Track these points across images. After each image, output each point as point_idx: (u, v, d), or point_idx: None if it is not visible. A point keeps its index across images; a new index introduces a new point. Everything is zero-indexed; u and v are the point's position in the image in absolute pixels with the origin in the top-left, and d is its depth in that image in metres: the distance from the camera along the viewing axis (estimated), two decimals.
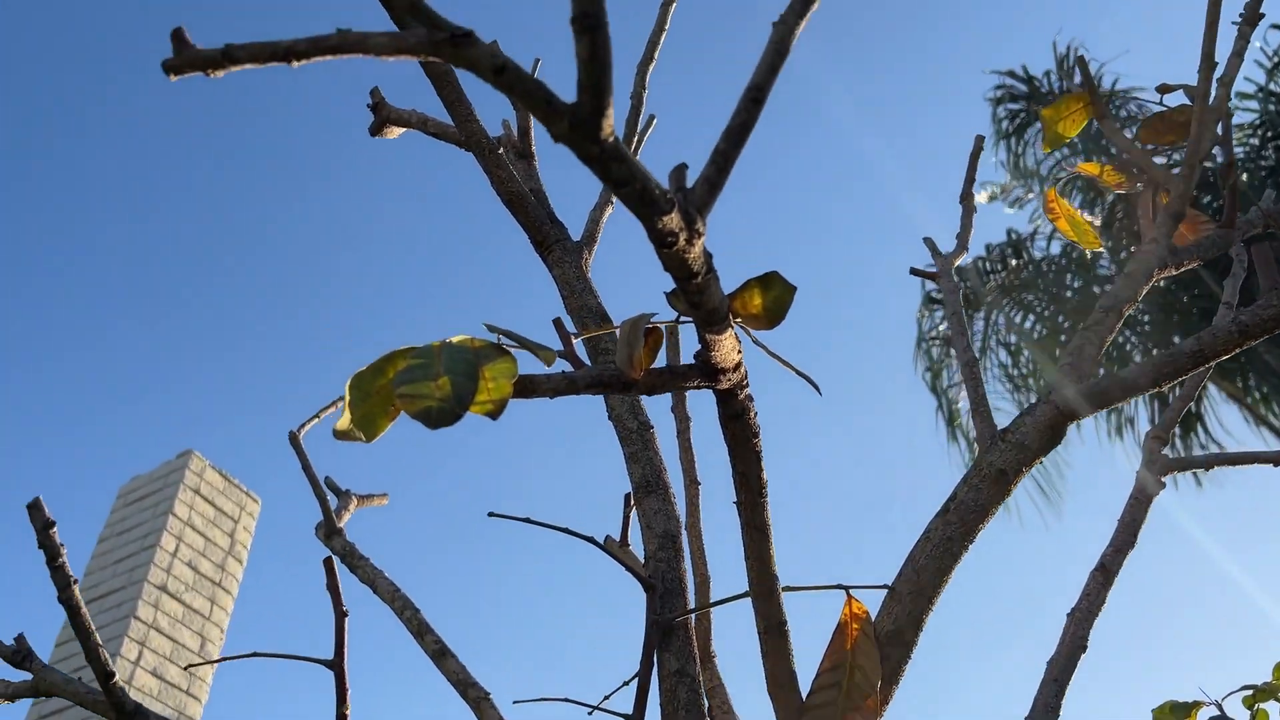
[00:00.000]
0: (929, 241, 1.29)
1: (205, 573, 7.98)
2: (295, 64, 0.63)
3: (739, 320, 0.80)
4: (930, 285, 9.56)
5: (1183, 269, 1.19)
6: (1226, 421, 9.43)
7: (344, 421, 0.69)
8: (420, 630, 1.46)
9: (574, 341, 0.83)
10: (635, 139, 1.44)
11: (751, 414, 0.91)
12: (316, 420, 1.79)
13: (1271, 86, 8.93)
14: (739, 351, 0.83)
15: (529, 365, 0.79)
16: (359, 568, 1.57)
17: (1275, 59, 9.04)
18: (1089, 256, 9.02)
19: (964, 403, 9.13)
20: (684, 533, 1.27)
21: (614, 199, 1.33)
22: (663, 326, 0.85)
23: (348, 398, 0.69)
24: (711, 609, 1.21)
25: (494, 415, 0.65)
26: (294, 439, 1.69)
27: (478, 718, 1.37)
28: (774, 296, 0.77)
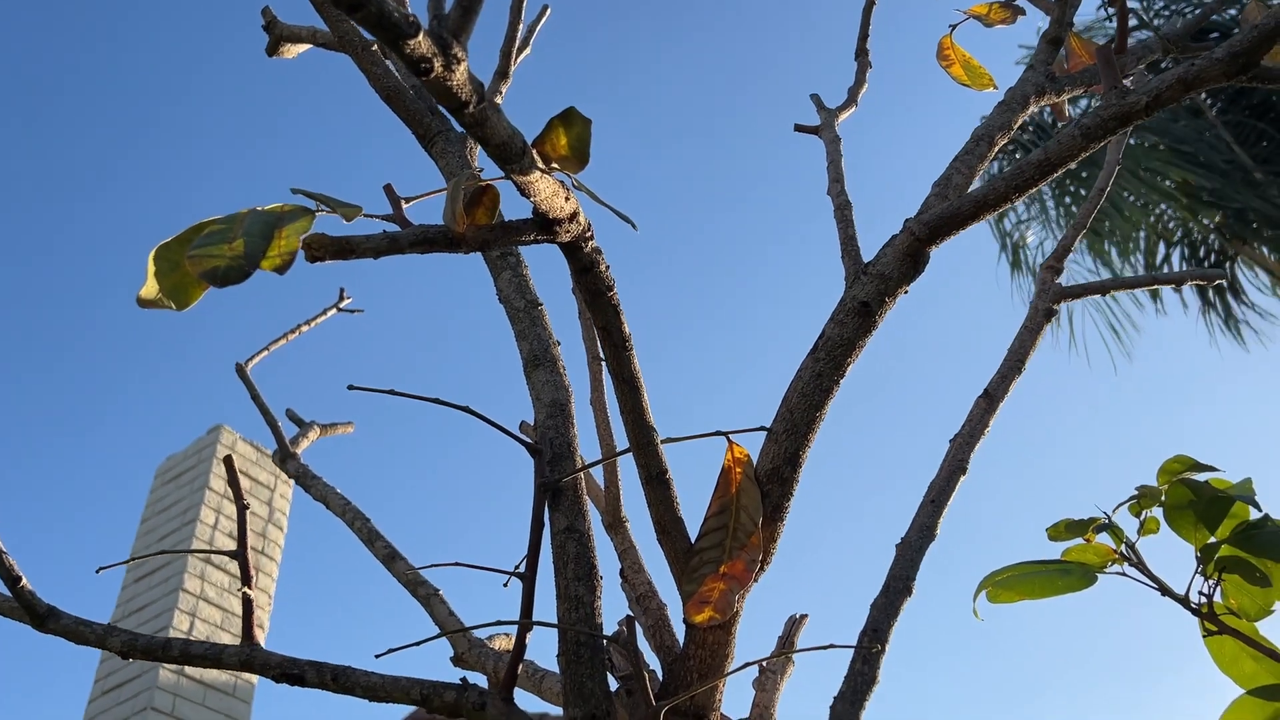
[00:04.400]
0: (815, 98, 1.28)
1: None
2: None
3: (554, 166, 0.81)
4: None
5: (1063, 96, 1.18)
6: (1262, 284, 9.33)
7: (148, 290, 0.70)
8: (370, 538, 1.50)
9: (404, 205, 0.84)
10: (525, 28, 1.44)
11: (602, 266, 0.91)
12: (266, 353, 1.82)
13: None
14: (569, 200, 0.84)
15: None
16: (312, 487, 1.61)
17: None
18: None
19: (1033, 238, 8.92)
20: (590, 407, 1.29)
21: (501, 89, 1.33)
22: (496, 185, 0.86)
23: (152, 268, 0.71)
24: (617, 476, 1.23)
25: (281, 270, 0.67)
26: (241, 371, 1.72)
27: (428, 613, 1.41)
28: (576, 133, 0.78)
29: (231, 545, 7.98)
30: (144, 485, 8.63)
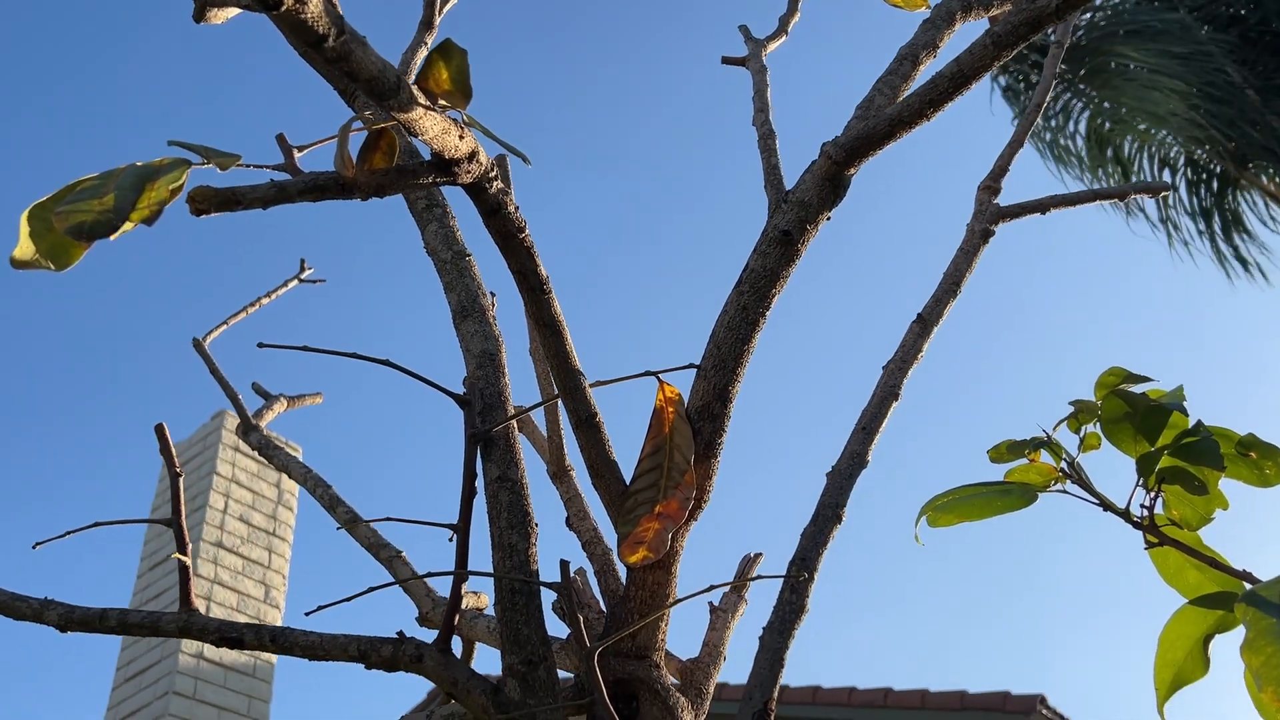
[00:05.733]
0: (743, 29, 1.25)
1: (258, 525, 8.19)
2: None
3: (443, 104, 0.79)
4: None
5: (992, 11, 1.15)
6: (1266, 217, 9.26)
7: (22, 251, 0.69)
8: (332, 504, 1.50)
9: (296, 154, 0.82)
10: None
11: (510, 207, 0.90)
12: (225, 327, 1.81)
13: None
14: (464, 139, 0.82)
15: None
16: (274, 457, 1.61)
17: None
18: None
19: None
20: (529, 356, 1.28)
21: (426, 39, 1.31)
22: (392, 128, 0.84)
23: (26, 228, 0.69)
24: (560, 425, 1.22)
25: (149, 222, 0.65)
26: (198, 346, 1.71)
27: (391, 574, 1.41)
28: (456, 66, 0.76)
29: (242, 527, 8.04)
30: (153, 476, 8.67)
